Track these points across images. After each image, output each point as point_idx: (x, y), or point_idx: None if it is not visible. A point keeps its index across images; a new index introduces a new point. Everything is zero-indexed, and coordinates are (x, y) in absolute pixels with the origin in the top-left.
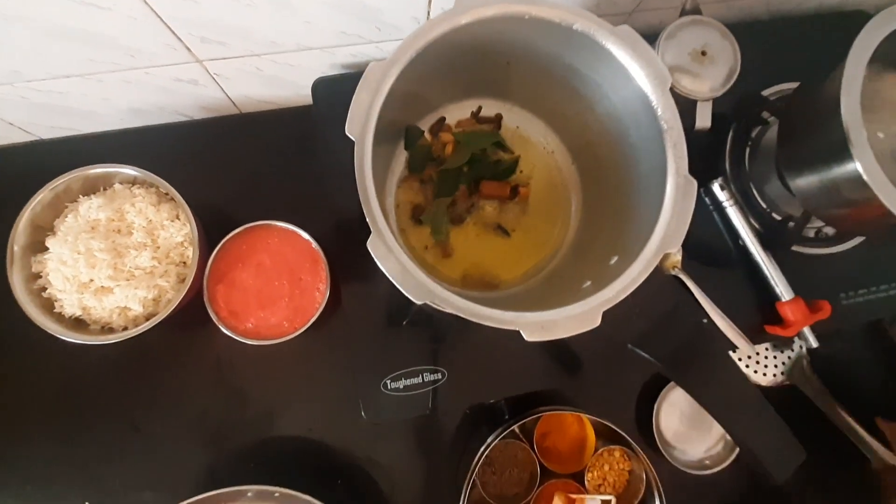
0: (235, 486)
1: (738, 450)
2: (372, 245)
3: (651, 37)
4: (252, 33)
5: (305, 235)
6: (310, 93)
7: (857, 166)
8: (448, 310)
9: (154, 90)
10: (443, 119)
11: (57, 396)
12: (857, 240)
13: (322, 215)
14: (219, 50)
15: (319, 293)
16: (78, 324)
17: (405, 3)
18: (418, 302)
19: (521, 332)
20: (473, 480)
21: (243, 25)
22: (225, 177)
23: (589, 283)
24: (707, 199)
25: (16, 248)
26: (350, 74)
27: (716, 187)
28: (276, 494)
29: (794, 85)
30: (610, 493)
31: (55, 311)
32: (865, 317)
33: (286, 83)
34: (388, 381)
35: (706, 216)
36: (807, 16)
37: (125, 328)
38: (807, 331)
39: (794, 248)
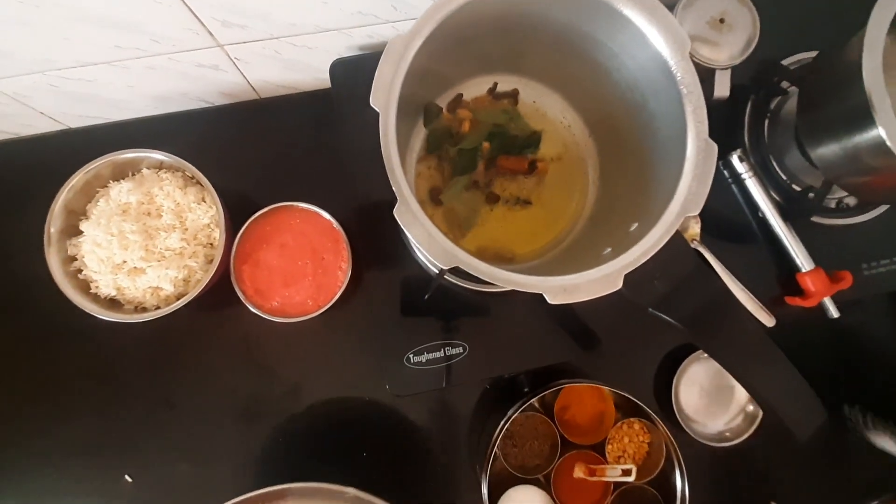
0: (274, 479)
1: (758, 422)
2: (398, 212)
3: (668, 5)
4: (271, 15)
5: (327, 215)
6: (327, 76)
7: (880, 132)
8: (473, 273)
9: (177, 76)
10: (460, 96)
11: (95, 373)
12: (880, 209)
13: (342, 195)
14: (239, 34)
15: (342, 272)
16: (113, 304)
17: None
18: (444, 267)
19: (545, 294)
20: (495, 452)
21: (262, 8)
22: (247, 160)
23: (609, 249)
24: (726, 172)
25: (52, 231)
26: (367, 55)
27: (734, 159)
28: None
29: (814, 54)
30: (630, 464)
31: (91, 291)
32: (887, 287)
33: (304, 66)
34: (411, 356)
35: (725, 189)
36: None
37: (157, 307)
38: (828, 301)
39: (815, 218)
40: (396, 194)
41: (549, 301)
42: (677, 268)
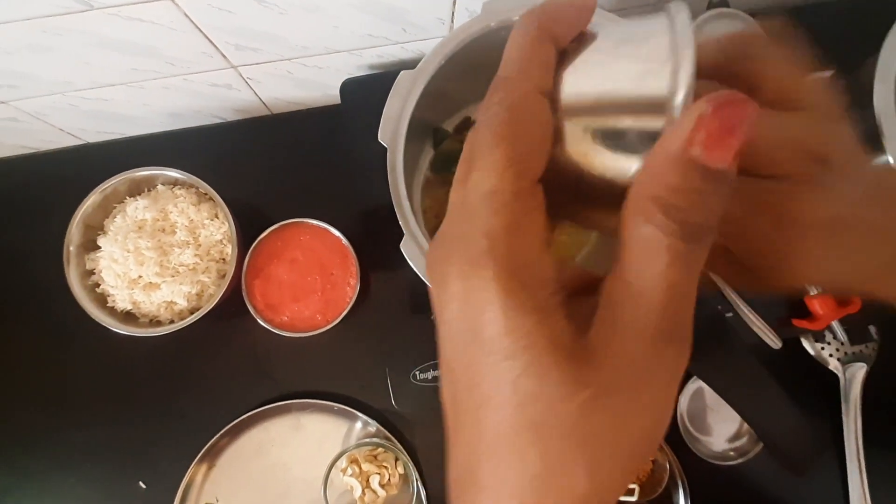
0: None
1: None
2: (405, 247)
3: None
4: (284, 39)
5: (336, 232)
6: (337, 93)
7: (889, 159)
8: None
9: (191, 95)
10: (468, 118)
11: (111, 383)
12: None
13: (351, 210)
14: (252, 56)
15: (350, 287)
16: (129, 317)
17: (430, 5)
18: None
19: None
20: None
21: (275, 32)
22: (258, 175)
23: None
24: None
25: (71, 248)
26: (377, 74)
27: None
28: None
29: (823, 75)
30: (633, 482)
31: (108, 305)
32: None
33: (315, 84)
34: (417, 372)
35: None
36: (842, 2)
37: (171, 321)
38: (836, 325)
39: None
40: (403, 228)
41: None
42: None
